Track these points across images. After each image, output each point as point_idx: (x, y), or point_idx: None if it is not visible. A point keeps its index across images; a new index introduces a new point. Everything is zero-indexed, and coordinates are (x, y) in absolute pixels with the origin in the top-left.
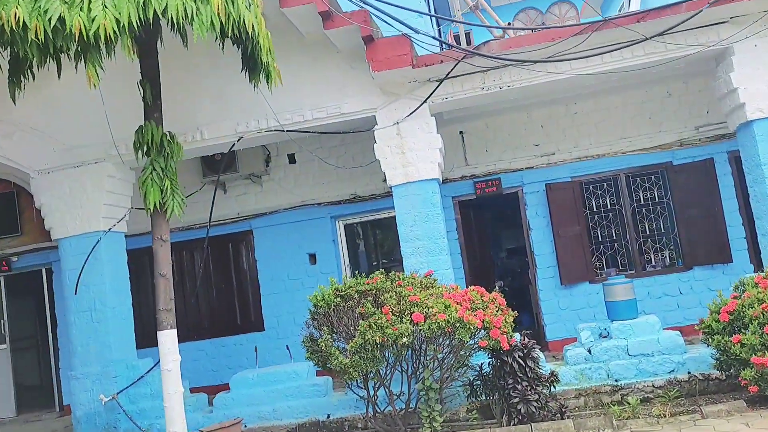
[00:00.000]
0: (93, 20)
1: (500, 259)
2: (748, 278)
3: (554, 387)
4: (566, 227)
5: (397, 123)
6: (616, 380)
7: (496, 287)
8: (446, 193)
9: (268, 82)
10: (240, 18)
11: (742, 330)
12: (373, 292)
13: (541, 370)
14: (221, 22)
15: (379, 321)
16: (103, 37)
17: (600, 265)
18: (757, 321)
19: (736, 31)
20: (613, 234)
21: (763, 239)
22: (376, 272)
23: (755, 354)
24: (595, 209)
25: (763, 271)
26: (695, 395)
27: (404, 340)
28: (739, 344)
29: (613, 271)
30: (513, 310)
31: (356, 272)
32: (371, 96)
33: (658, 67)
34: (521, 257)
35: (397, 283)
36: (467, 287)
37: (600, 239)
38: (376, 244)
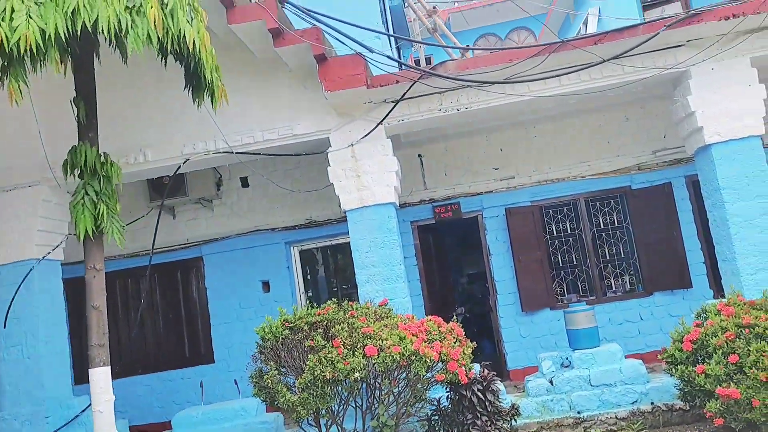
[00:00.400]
0: (15, 30)
1: (461, 285)
2: (710, 305)
3: (515, 421)
4: (526, 252)
5: (352, 145)
6: (578, 412)
7: (455, 316)
8: (405, 218)
9: (212, 101)
10: (180, 32)
11: (706, 359)
12: (324, 323)
13: (501, 404)
14: (158, 36)
15: (330, 355)
16: (24, 49)
17: (561, 290)
18: (721, 350)
19: (693, 54)
20: (574, 259)
21: (723, 265)
22: (329, 302)
23: (720, 385)
24: (555, 234)
25: (723, 297)
26: (659, 427)
27: (356, 375)
28: (703, 374)
29: (574, 297)
30: (474, 338)
31: (311, 300)
32: (325, 117)
33: (616, 91)
34: (482, 283)
35: (349, 313)
36: (426, 315)
37: (561, 264)
38: (335, 270)
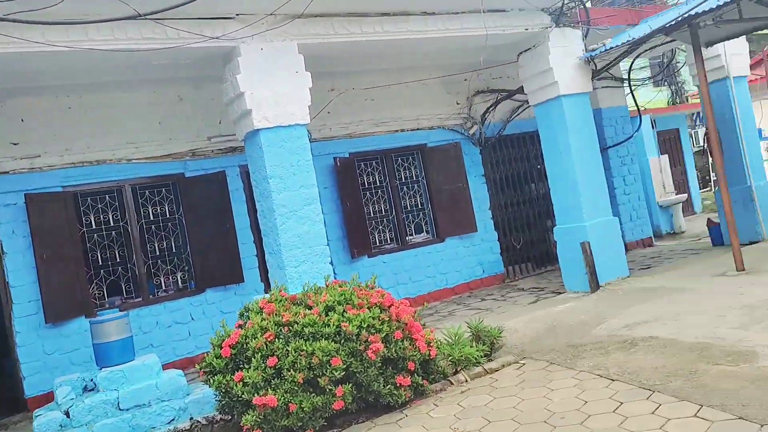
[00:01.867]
0: None
1: None
2: (253, 303)
3: None
4: (54, 250)
5: None
6: None
7: None
8: None
9: None
10: None
11: (246, 365)
12: None
13: None
14: None
15: None
16: None
17: (102, 293)
18: (260, 353)
19: (242, 27)
20: (117, 256)
21: (270, 257)
22: None
23: (258, 393)
24: (94, 226)
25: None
26: None
27: None
28: (241, 383)
29: (117, 300)
30: None
31: None
32: None
33: (168, 67)
34: None
35: None
36: None
37: (100, 263)
38: None
